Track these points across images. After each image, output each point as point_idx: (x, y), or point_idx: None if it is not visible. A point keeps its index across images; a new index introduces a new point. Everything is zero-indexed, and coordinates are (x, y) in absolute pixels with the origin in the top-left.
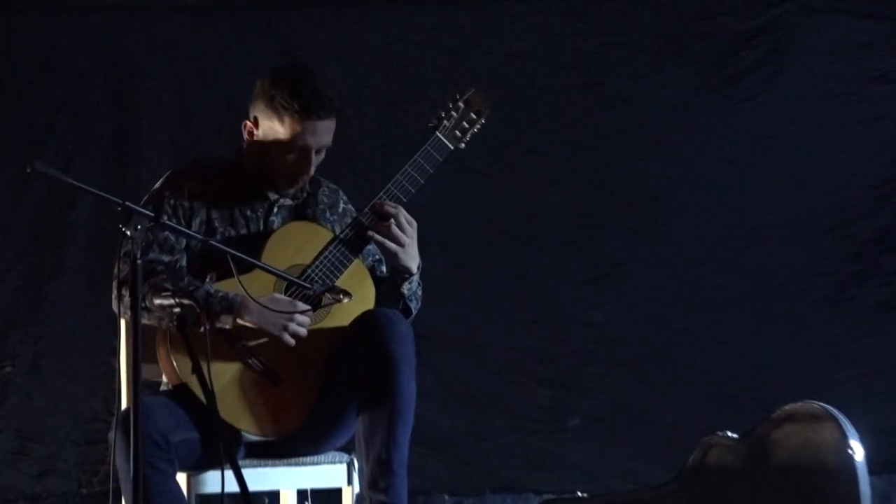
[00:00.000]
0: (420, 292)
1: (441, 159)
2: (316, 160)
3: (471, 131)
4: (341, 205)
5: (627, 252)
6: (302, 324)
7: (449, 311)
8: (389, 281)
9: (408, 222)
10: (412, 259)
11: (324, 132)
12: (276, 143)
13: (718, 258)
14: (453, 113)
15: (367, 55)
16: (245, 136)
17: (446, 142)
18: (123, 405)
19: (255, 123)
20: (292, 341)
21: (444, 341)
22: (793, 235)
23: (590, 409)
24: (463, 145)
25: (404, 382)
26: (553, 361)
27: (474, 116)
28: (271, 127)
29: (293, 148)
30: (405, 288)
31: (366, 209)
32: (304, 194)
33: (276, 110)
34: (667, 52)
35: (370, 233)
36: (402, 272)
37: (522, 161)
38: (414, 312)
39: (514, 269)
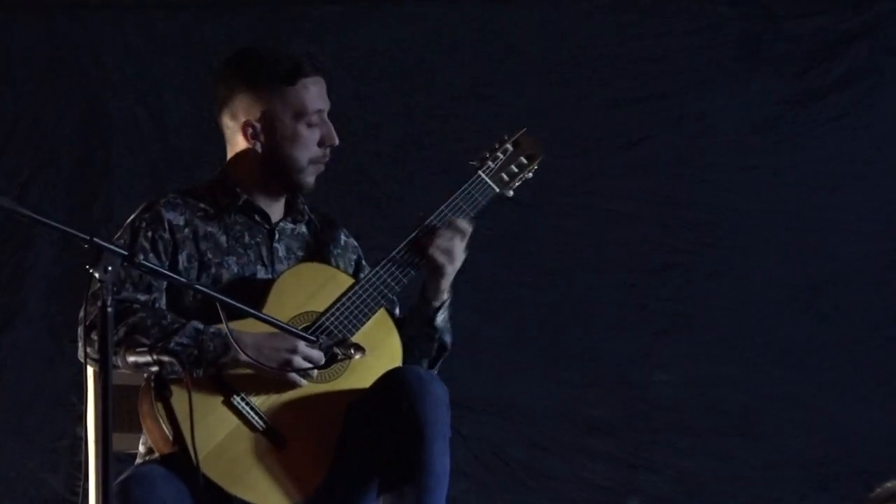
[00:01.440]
0: (449, 323)
1: (484, 202)
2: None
3: (520, 177)
4: (343, 238)
5: (696, 298)
6: (310, 359)
7: (482, 370)
8: (417, 318)
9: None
10: (449, 283)
11: (324, 90)
12: (292, 127)
13: (801, 304)
14: (500, 155)
15: (380, 62)
16: (247, 143)
17: (491, 183)
18: (93, 483)
19: (258, 120)
20: (300, 380)
21: (476, 407)
22: (888, 278)
23: (653, 487)
24: (511, 192)
25: (436, 456)
26: (608, 431)
27: (525, 161)
28: (274, 111)
29: (311, 120)
30: (439, 319)
31: (401, 248)
32: (305, 217)
33: (270, 88)
34: (743, 58)
35: (430, 254)
36: (433, 301)
37: (570, 190)
38: (449, 345)
39: (560, 320)
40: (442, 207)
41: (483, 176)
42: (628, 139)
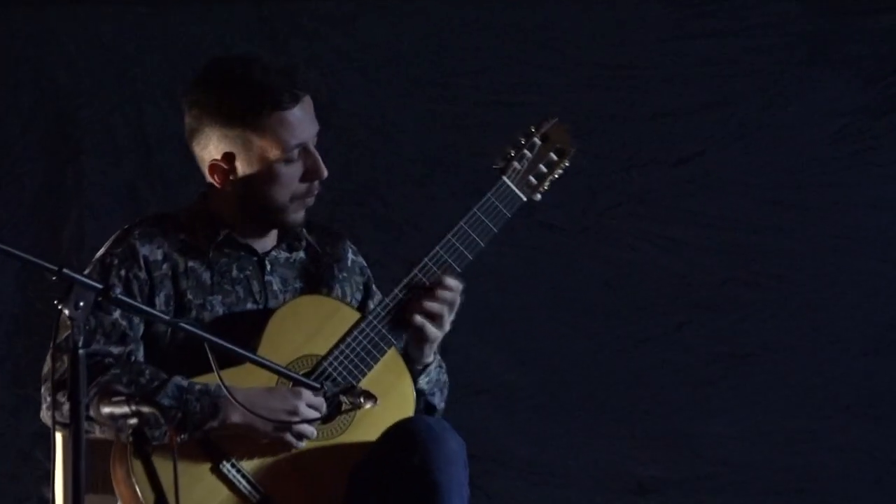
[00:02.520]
0: (444, 376)
1: (509, 214)
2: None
3: (550, 178)
4: (350, 257)
5: (761, 339)
6: (310, 420)
7: (516, 422)
8: None
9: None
10: (434, 348)
11: (310, 116)
12: (267, 166)
13: (886, 347)
14: (526, 152)
15: (394, 64)
16: (216, 183)
17: (517, 190)
18: None
19: (228, 159)
20: (297, 443)
21: (510, 463)
22: None
23: None
24: (539, 196)
25: None
26: (658, 489)
27: (555, 157)
28: (250, 149)
29: (290, 156)
30: (423, 381)
31: (408, 279)
32: (303, 243)
33: (243, 122)
34: (816, 60)
35: (412, 315)
36: (416, 363)
37: (613, 213)
38: (440, 407)
39: (603, 364)
40: (460, 224)
41: (508, 182)
42: (680, 153)
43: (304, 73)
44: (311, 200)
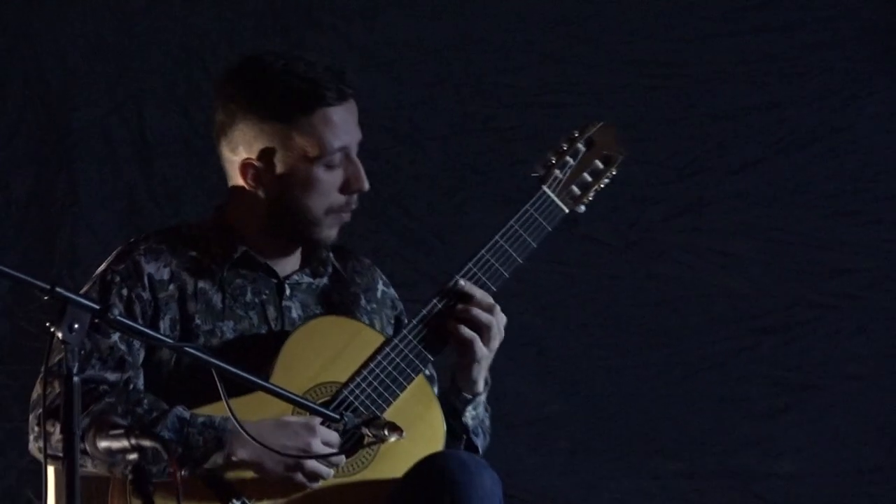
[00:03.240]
0: (488, 422)
1: (550, 228)
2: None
3: (595, 187)
4: (380, 287)
5: (831, 366)
6: (325, 457)
7: (555, 458)
8: (444, 405)
9: (501, 322)
10: (486, 371)
11: (354, 120)
12: (306, 169)
13: None
14: (569, 159)
15: (422, 61)
16: (248, 185)
17: (558, 201)
18: None
19: (263, 158)
20: (310, 484)
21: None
22: None
23: None
24: (583, 208)
25: None
26: None
27: (601, 165)
28: (283, 149)
29: (332, 160)
30: (469, 416)
31: (436, 298)
32: (329, 268)
33: (280, 118)
34: (888, 56)
35: (456, 325)
36: (464, 390)
37: (665, 226)
38: (481, 451)
39: (654, 394)
40: (496, 238)
41: (548, 192)
42: (742, 159)
43: (352, 73)
44: (347, 216)
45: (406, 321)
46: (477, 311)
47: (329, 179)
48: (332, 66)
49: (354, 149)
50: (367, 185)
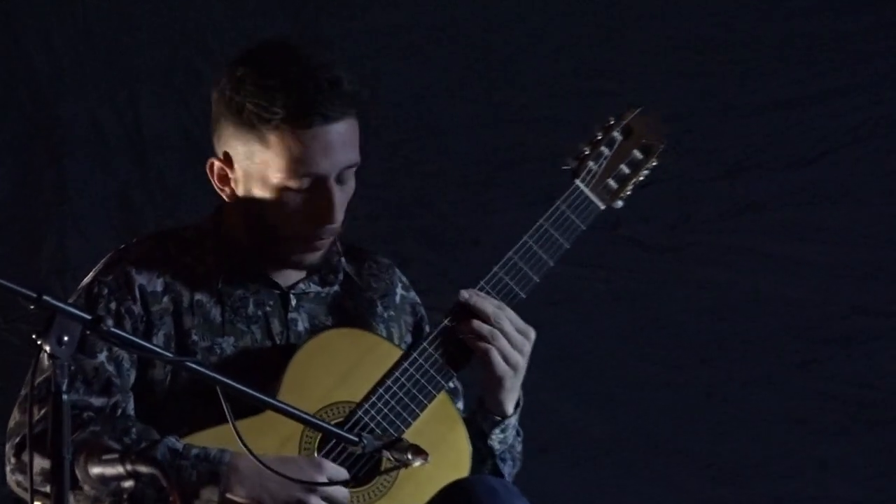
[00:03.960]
0: (520, 447)
1: (584, 227)
2: (341, 196)
3: (634, 181)
4: (398, 291)
5: None
6: (332, 499)
7: (593, 482)
8: (471, 425)
9: (521, 332)
10: (514, 391)
11: (341, 143)
12: (268, 185)
13: None
14: (604, 149)
15: (446, 44)
16: (215, 184)
17: (593, 197)
18: None
19: (227, 161)
20: None
21: None
22: None
23: None
24: (620, 203)
25: None
26: None
27: (640, 155)
28: (252, 158)
29: (297, 184)
30: (496, 438)
31: (456, 307)
32: (340, 275)
33: (252, 125)
34: None
35: (469, 338)
36: (492, 412)
37: (717, 225)
38: (509, 479)
39: (704, 412)
40: (524, 239)
41: (582, 187)
42: (799, 154)
43: (353, 89)
44: (322, 244)
45: (427, 329)
46: (478, 324)
47: (294, 202)
48: (332, 77)
49: (334, 174)
50: (337, 220)
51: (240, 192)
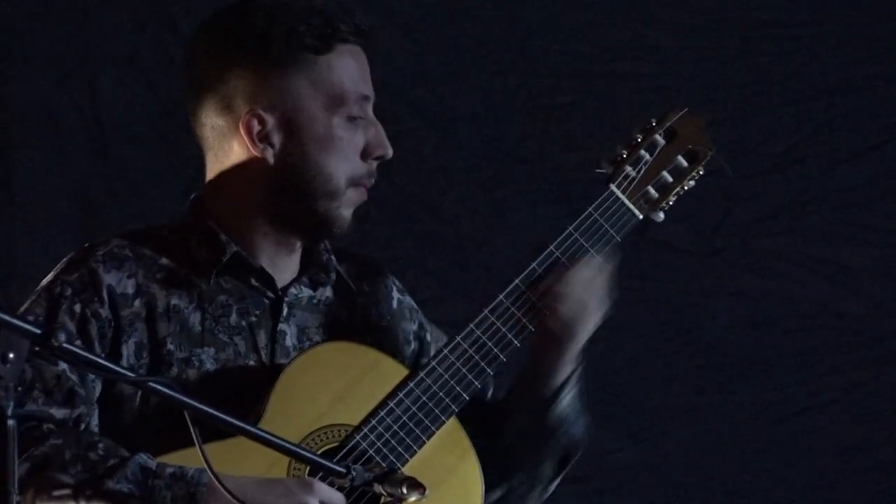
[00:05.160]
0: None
1: (619, 237)
2: None
3: (677, 190)
4: (395, 296)
5: None
6: None
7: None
8: (526, 405)
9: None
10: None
11: (367, 66)
12: (324, 124)
13: None
14: (644, 153)
15: (453, 20)
16: (251, 148)
17: (630, 205)
18: None
19: (267, 115)
20: None
21: None
22: None
23: None
24: (662, 215)
25: None
26: None
27: (685, 163)
28: (301, 96)
29: (353, 111)
30: (566, 403)
31: (479, 319)
32: (333, 275)
33: (288, 60)
34: None
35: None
36: (550, 377)
37: (762, 229)
38: (582, 439)
39: (747, 438)
40: (550, 248)
41: (618, 193)
42: (853, 147)
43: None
44: (364, 195)
45: (429, 338)
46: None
47: (350, 137)
48: (341, 3)
49: (372, 94)
50: (390, 150)
51: (287, 145)
